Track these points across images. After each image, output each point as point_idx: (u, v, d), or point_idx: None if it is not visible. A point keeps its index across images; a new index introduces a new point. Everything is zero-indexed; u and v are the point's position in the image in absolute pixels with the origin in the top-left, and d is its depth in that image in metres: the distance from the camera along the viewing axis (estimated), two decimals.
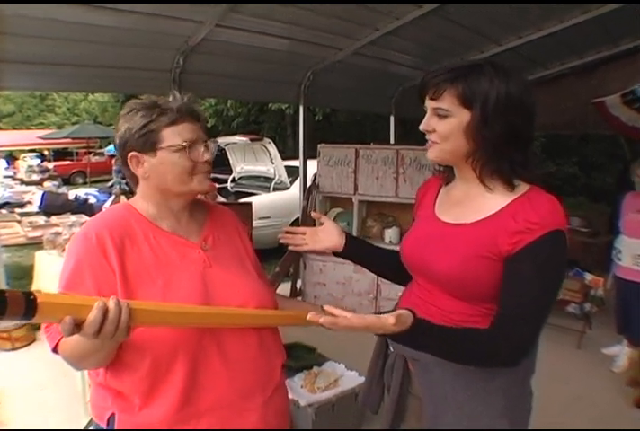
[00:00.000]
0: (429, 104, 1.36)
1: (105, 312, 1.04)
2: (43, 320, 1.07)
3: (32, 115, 28.25)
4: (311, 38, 4.56)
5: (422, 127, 1.38)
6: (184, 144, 1.34)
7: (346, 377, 3.15)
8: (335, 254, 1.71)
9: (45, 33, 3.66)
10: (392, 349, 1.55)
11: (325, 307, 1.24)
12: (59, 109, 27.86)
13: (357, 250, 1.73)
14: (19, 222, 7.25)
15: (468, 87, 1.28)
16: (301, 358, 3.32)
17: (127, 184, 10.23)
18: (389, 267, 1.71)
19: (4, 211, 9.10)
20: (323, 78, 5.65)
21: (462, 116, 1.30)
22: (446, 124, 1.33)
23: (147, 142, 1.34)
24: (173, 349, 1.29)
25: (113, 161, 16.54)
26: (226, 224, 1.60)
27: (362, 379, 2.95)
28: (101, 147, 22.51)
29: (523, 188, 1.34)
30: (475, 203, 1.39)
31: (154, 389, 1.30)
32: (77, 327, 1.03)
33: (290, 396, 2.89)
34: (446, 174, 1.52)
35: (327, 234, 1.69)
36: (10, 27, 3.45)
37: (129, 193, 12.78)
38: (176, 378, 1.29)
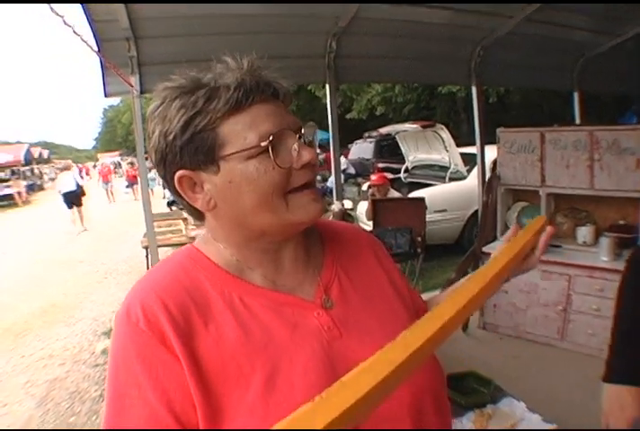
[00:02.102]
0: None
1: None
2: None
3: None
4: (476, 6, 3.99)
5: None
6: (263, 143, 0.79)
7: (526, 422, 2.49)
8: None
9: (187, 31, 3.60)
10: None
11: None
12: None
13: None
14: (184, 219, 7.31)
15: None
16: (473, 393, 2.74)
17: None
18: None
19: (174, 208, 9.47)
20: (494, 54, 4.99)
21: None
22: None
23: (200, 150, 0.81)
24: None
25: None
26: (356, 251, 1.04)
27: (548, 426, 2.39)
28: None
29: None
30: None
31: None
32: None
33: None
34: None
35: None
36: (147, 30, 3.42)
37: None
38: None
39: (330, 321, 0.88)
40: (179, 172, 0.83)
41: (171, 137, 0.81)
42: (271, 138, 0.79)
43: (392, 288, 1.01)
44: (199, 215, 0.91)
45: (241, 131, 0.80)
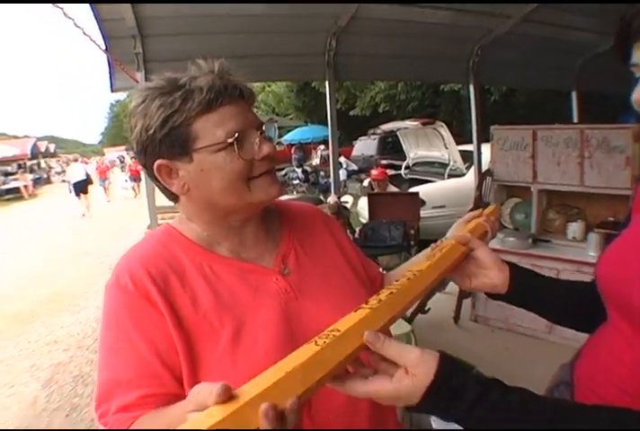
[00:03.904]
0: None
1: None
2: None
3: None
4: (474, 6, 4.06)
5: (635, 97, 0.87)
6: (229, 139, 0.94)
7: None
8: (493, 297, 1.07)
9: (191, 29, 3.68)
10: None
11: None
12: None
13: (529, 291, 1.06)
14: None
15: None
16: None
17: (304, 172, 10.30)
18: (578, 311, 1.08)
19: None
20: (492, 53, 5.08)
21: None
22: None
23: (176, 143, 0.95)
24: None
25: (292, 150, 16.93)
26: (311, 226, 1.21)
27: None
28: (280, 136, 23.33)
29: None
30: None
31: None
32: None
33: (435, 426, 2.50)
34: None
35: (480, 269, 1.05)
36: (152, 28, 3.53)
37: (305, 182, 12.80)
38: None
39: (287, 285, 1.05)
40: (157, 161, 0.98)
41: (151, 132, 0.95)
42: (236, 135, 0.94)
43: (343, 259, 1.18)
44: (173, 197, 1.07)
45: (211, 128, 0.94)
